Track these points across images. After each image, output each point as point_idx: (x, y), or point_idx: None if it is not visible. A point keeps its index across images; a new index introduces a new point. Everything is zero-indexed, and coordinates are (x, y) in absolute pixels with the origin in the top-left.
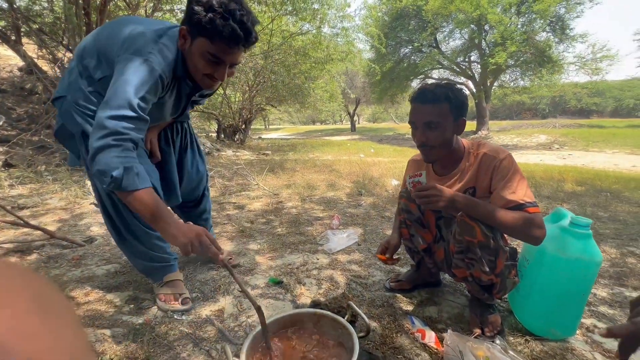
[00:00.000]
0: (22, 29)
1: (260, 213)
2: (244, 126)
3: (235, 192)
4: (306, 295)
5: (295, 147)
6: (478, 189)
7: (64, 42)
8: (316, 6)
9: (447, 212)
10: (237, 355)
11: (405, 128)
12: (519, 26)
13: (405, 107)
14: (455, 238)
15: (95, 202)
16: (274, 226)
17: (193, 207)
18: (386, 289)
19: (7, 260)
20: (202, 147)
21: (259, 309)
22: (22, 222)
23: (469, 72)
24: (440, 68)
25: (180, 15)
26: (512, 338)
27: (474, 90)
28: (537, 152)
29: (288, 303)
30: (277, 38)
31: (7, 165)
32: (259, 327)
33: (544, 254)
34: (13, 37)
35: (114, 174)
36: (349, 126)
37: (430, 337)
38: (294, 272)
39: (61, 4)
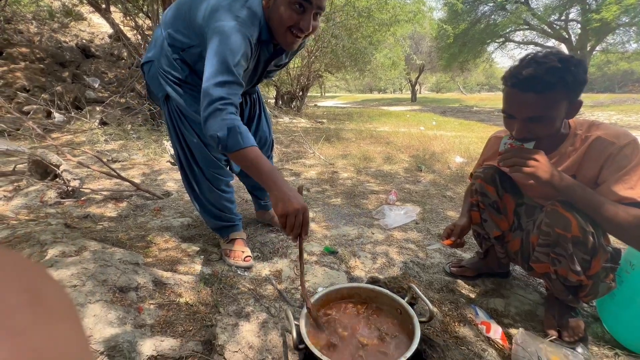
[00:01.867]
0: None
1: (316, 182)
2: (301, 93)
3: (292, 159)
4: (360, 268)
5: (351, 116)
6: (579, 178)
7: (144, 10)
8: None
9: (537, 194)
10: (297, 319)
11: (474, 100)
12: None
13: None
14: (540, 229)
15: (172, 160)
16: (328, 195)
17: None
18: (446, 272)
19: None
20: (269, 114)
21: (308, 310)
22: (115, 174)
23: (564, 34)
24: (527, 29)
25: None
26: (596, 348)
27: None
28: None
29: (342, 274)
30: (339, 1)
31: (103, 123)
32: (317, 295)
33: None
34: (103, 6)
35: (219, 134)
36: (409, 96)
37: (496, 331)
38: (349, 243)
39: None
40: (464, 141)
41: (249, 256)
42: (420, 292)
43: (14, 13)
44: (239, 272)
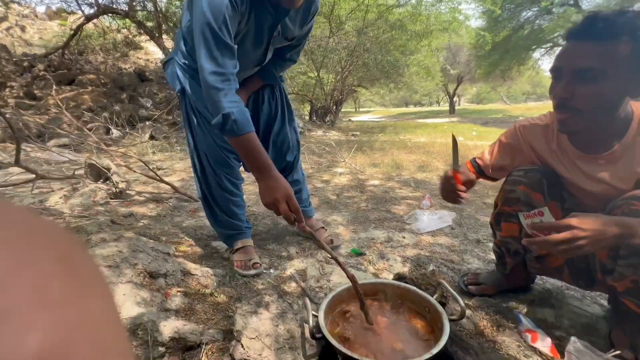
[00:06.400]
0: (162, 27)
1: (346, 188)
2: (334, 107)
3: (323, 168)
4: (389, 270)
5: (385, 128)
6: None
7: None
8: None
9: (590, 200)
10: (316, 311)
11: (519, 110)
12: None
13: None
14: None
15: None
16: (358, 201)
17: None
18: (461, 289)
19: (33, 212)
20: (295, 118)
21: (352, 278)
22: (157, 177)
23: None
24: None
25: None
26: None
27: None
28: None
29: (369, 275)
30: (372, 14)
31: (152, 137)
32: (338, 289)
33: None
34: (157, 34)
35: (213, 122)
36: (447, 108)
37: (545, 342)
38: (377, 246)
39: None
40: None
41: (257, 263)
42: (450, 289)
43: (85, 46)
44: (250, 278)
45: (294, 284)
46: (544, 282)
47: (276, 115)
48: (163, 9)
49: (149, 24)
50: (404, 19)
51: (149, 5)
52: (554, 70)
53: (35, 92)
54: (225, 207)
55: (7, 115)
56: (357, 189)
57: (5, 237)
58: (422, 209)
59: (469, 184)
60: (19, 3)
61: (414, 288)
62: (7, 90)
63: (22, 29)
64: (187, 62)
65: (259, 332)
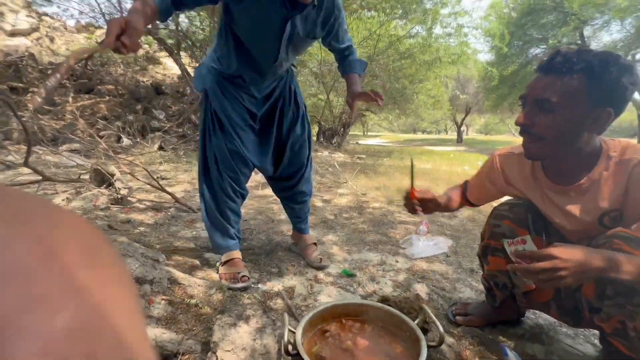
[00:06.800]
0: (181, 45)
1: (345, 209)
2: (342, 130)
3: (324, 188)
4: (378, 293)
5: (391, 153)
6: (629, 214)
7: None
8: (429, 5)
9: (575, 233)
10: (295, 328)
11: None
12: None
13: None
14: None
15: None
16: (355, 222)
17: (289, 187)
18: (448, 319)
19: (60, 207)
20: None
21: None
22: (159, 187)
23: None
24: None
25: None
26: None
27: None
28: None
29: (358, 297)
30: (382, 43)
31: (160, 148)
32: (320, 307)
33: None
34: (175, 51)
35: None
36: (455, 137)
37: None
38: (369, 269)
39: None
40: None
41: (245, 276)
42: (431, 314)
43: (108, 58)
44: (237, 291)
45: (280, 301)
46: (537, 316)
47: (297, 121)
48: (184, 29)
49: (170, 41)
50: (414, 49)
51: (171, 25)
52: (521, 98)
53: (56, 98)
54: (221, 207)
55: (24, 119)
56: (356, 210)
57: (36, 231)
58: (418, 234)
59: (432, 203)
60: (51, 16)
61: (397, 312)
62: (29, 95)
63: (51, 39)
64: (214, 65)
65: (235, 345)
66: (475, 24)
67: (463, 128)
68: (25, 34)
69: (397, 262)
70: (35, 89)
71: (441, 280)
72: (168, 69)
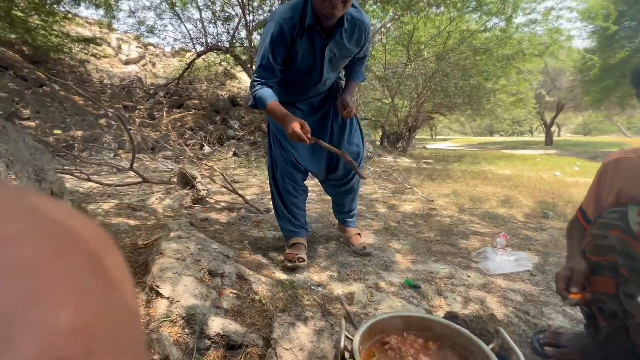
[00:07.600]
0: (253, 59)
1: (410, 216)
2: (407, 134)
3: (387, 194)
4: (445, 309)
5: (462, 157)
6: None
7: None
8: None
9: None
10: (353, 335)
11: None
12: None
13: None
14: None
15: None
16: (421, 230)
17: (339, 185)
18: (535, 350)
19: (73, 210)
20: (362, 130)
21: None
22: (231, 189)
23: None
24: None
25: None
26: None
27: None
28: None
29: (422, 311)
30: (453, 40)
31: (235, 154)
32: (381, 316)
33: None
34: (248, 65)
35: (249, 103)
36: (543, 139)
37: None
38: (436, 281)
39: None
40: None
41: (302, 258)
42: (510, 340)
43: (195, 77)
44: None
45: (339, 305)
46: None
47: (345, 126)
48: (256, 46)
49: (244, 57)
50: (490, 43)
51: (246, 42)
52: None
53: (155, 113)
54: (287, 204)
55: (132, 132)
56: (422, 217)
57: (47, 229)
58: (495, 247)
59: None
60: (154, 45)
61: (467, 331)
62: (137, 112)
63: (153, 64)
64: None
65: (293, 344)
66: (569, 5)
67: (554, 128)
68: (135, 61)
69: (469, 276)
70: (142, 107)
71: (524, 302)
72: (242, 82)
